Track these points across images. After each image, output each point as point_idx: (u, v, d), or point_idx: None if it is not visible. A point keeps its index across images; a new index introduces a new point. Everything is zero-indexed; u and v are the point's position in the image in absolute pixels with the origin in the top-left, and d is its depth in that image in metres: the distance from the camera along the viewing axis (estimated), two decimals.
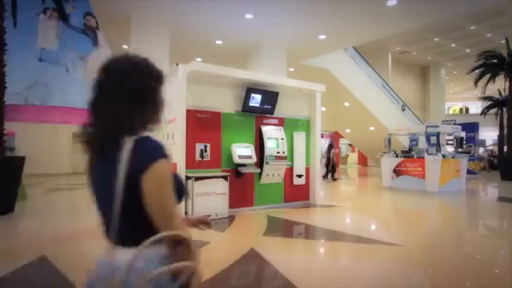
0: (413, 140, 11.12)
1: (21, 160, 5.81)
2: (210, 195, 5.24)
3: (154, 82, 0.99)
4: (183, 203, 5.18)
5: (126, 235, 0.86)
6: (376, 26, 8.55)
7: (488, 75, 13.93)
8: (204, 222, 1.10)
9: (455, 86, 26.71)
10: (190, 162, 5.35)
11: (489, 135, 21.92)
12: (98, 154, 0.95)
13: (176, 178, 0.98)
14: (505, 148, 13.41)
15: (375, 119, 14.05)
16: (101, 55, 15.39)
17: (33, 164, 8.46)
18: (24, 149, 8.46)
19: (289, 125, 6.58)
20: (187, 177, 5.19)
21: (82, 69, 15.32)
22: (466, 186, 9.58)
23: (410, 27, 9.51)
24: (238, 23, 8.07)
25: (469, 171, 11.14)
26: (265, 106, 6.10)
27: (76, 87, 15.09)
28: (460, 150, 11.09)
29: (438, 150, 9.03)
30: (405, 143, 12.32)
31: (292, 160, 6.50)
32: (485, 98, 15.84)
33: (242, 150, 5.74)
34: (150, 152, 0.87)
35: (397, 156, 9.98)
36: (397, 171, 9.56)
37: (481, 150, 20.66)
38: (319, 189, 7.06)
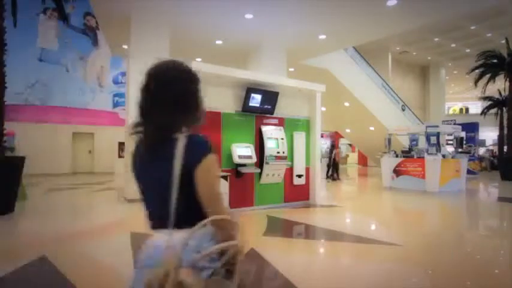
0: (413, 140, 11.11)
1: (21, 160, 5.81)
2: None
3: (196, 85, 1.12)
4: None
5: (181, 219, 0.96)
6: (376, 26, 8.55)
7: (488, 75, 13.93)
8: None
9: (455, 86, 26.71)
10: None
11: (489, 135, 21.92)
12: (151, 150, 1.04)
13: None
14: (505, 148, 13.41)
15: (375, 119, 14.06)
16: (101, 55, 15.40)
17: (33, 164, 8.46)
18: (24, 149, 8.45)
19: (289, 125, 6.58)
20: None
21: (82, 69, 15.32)
22: (466, 186, 9.58)
23: (410, 27, 9.51)
24: (238, 23, 8.06)
25: (469, 171, 11.14)
26: (265, 106, 6.10)
27: (76, 87, 15.10)
28: (460, 150, 11.09)
29: (438, 150, 9.03)
30: (405, 143, 12.32)
31: (292, 160, 6.50)
32: (485, 98, 15.84)
33: (242, 150, 5.74)
34: (202, 148, 1.00)
35: (397, 156, 9.99)
36: (397, 171, 9.56)
37: (482, 150, 20.69)
38: (319, 189, 7.06)
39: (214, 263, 0.87)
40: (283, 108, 6.49)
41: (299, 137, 6.67)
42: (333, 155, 11.83)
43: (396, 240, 4.21)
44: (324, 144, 13.98)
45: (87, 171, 14.95)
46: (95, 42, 15.35)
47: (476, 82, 14.26)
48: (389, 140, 10.49)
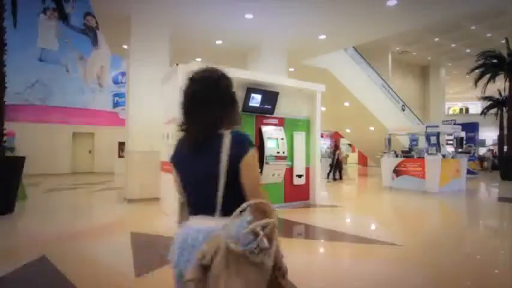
0: (413, 140, 11.12)
1: (21, 160, 5.81)
2: None
3: (232, 89, 1.24)
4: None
5: (225, 205, 1.10)
6: (376, 26, 8.55)
7: (488, 75, 13.93)
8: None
9: (455, 86, 26.72)
10: None
11: (489, 135, 21.93)
12: (196, 146, 1.16)
13: None
14: (505, 148, 13.42)
15: (375, 119, 14.06)
16: (101, 55, 15.40)
17: (33, 164, 8.47)
18: (24, 149, 8.46)
19: (289, 125, 6.58)
20: None
21: (82, 69, 15.32)
22: (466, 186, 9.58)
23: (410, 27, 9.52)
24: (238, 23, 8.07)
25: (469, 171, 11.15)
26: (265, 106, 6.10)
27: (76, 87, 15.10)
28: (460, 150, 11.09)
29: (438, 150, 9.02)
30: (405, 143, 12.33)
31: (292, 160, 6.49)
32: (485, 98, 15.85)
33: None
34: (245, 143, 1.13)
35: (397, 156, 9.99)
36: (397, 171, 9.56)
37: (483, 150, 20.69)
38: (319, 189, 7.06)
39: (256, 238, 0.98)
40: (283, 108, 6.48)
41: (299, 137, 6.67)
42: (336, 155, 11.82)
43: (396, 240, 4.21)
44: (324, 144, 13.96)
45: (87, 171, 14.95)
46: (95, 42, 15.35)
47: (476, 82, 14.26)
48: (389, 140, 10.49)
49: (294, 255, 3.71)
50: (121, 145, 13.57)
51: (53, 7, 12.69)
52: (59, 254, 3.49)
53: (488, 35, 16.60)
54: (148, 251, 3.77)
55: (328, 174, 11.92)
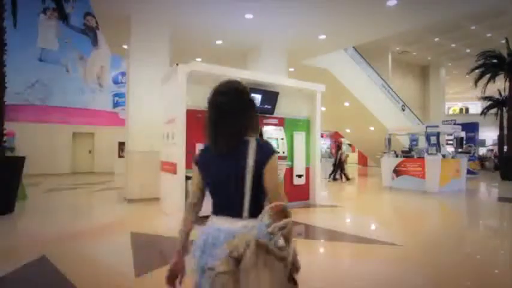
0: (414, 140, 11.12)
1: (21, 160, 5.81)
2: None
3: (252, 100, 1.36)
4: (183, 203, 5.18)
5: (251, 208, 1.22)
6: (376, 26, 8.55)
7: (488, 75, 13.93)
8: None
9: (455, 86, 26.72)
10: (190, 162, 5.34)
11: (489, 135, 21.93)
12: (226, 150, 1.26)
13: None
14: (505, 148, 13.41)
15: (375, 119, 14.06)
16: (101, 55, 15.40)
17: (33, 164, 8.47)
18: (24, 149, 8.46)
19: (289, 125, 6.58)
20: (187, 177, 5.19)
21: (82, 69, 15.32)
22: (466, 186, 9.58)
23: (410, 27, 9.51)
24: (238, 23, 8.06)
25: (469, 171, 11.15)
26: (265, 106, 6.11)
27: (76, 87, 15.10)
28: (460, 150, 11.09)
29: (438, 150, 9.03)
30: (405, 143, 12.33)
31: (292, 160, 6.50)
32: (485, 98, 15.85)
33: None
34: (269, 149, 1.27)
35: (397, 156, 9.99)
36: (397, 171, 9.57)
37: (484, 150, 20.69)
38: (319, 189, 7.06)
39: (277, 235, 1.09)
40: (283, 108, 6.48)
41: (299, 137, 6.67)
42: (338, 155, 11.81)
43: (396, 240, 4.21)
44: (324, 144, 13.96)
45: (87, 171, 14.95)
46: (95, 42, 15.34)
47: (476, 82, 14.26)
48: (389, 140, 10.49)
49: None
50: (121, 145, 13.57)
51: (53, 7, 12.69)
52: (59, 254, 3.49)
53: (488, 35, 16.60)
54: (148, 251, 3.77)
55: (330, 174, 11.90)
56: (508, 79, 12.96)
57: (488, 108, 16.35)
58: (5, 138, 5.82)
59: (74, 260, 3.38)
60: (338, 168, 11.81)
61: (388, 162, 9.88)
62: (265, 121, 6.25)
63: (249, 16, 7.68)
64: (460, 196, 8.38)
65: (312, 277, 3.04)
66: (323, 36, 9.01)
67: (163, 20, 7.64)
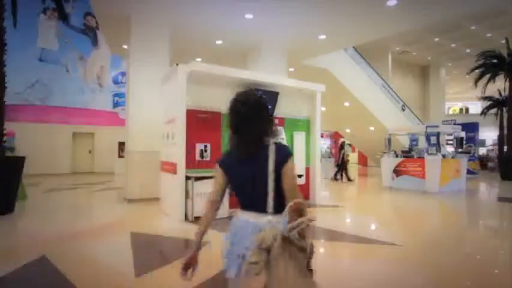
0: (414, 140, 11.12)
1: (21, 160, 5.81)
2: None
3: (268, 106, 1.49)
4: (183, 203, 5.18)
5: (274, 205, 1.35)
6: (376, 26, 8.55)
7: (488, 75, 13.92)
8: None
9: (455, 86, 26.71)
10: (190, 162, 5.35)
11: (489, 135, 21.92)
12: (246, 157, 1.42)
13: None
14: (505, 148, 13.41)
15: (375, 119, 14.06)
16: (101, 55, 15.40)
17: (33, 164, 8.46)
18: (24, 149, 8.45)
19: (289, 125, 6.58)
20: (187, 177, 5.19)
21: (82, 69, 15.32)
22: (466, 186, 9.58)
23: (410, 27, 9.51)
24: (238, 23, 8.07)
25: (469, 171, 11.15)
26: None
27: (76, 87, 15.10)
28: (460, 150, 11.08)
29: (438, 150, 9.03)
30: (405, 143, 12.32)
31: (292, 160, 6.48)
32: (485, 98, 15.83)
33: None
34: (286, 152, 1.41)
35: (397, 156, 9.98)
36: (397, 171, 9.56)
37: (487, 149, 20.67)
38: (319, 189, 7.06)
39: (293, 232, 1.23)
40: (283, 108, 6.48)
41: (299, 137, 6.68)
42: (341, 155, 11.81)
43: (396, 240, 4.21)
44: (324, 144, 13.95)
45: (87, 171, 14.95)
46: (95, 42, 15.34)
47: (476, 82, 14.25)
48: (389, 140, 10.49)
49: None
50: (121, 145, 13.57)
51: (53, 7, 12.69)
52: (59, 254, 3.49)
53: (488, 35, 16.60)
54: (148, 251, 3.77)
55: (336, 174, 11.86)
56: (508, 79, 12.95)
57: (488, 108, 16.34)
58: (5, 138, 5.82)
59: (74, 260, 3.38)
60: (341, 168, 11.80)
61: (388, 162, 9.88)
62: None
63: (249, 16, 7.68)
64: (460, 196, 8.38)
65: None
66: (323, 36, 9.01)
67: (163, 20, 7.64)
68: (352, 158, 23.90)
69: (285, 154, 1.39)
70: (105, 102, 15.92)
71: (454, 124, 15.12)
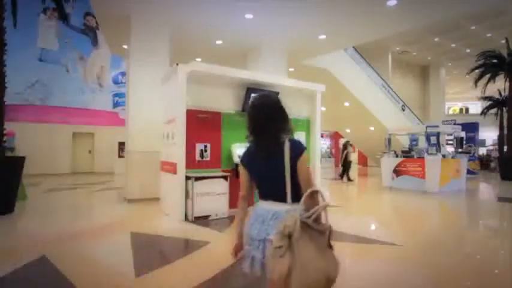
0: (414, 140, 11.12)
1: (21, 160, 5.80)
2: (210, 195, 5.24)
3: (284, 108, 1.65)
4: (183, 203, 5.18)
5: (292, 193, 1.53)
6: (376, 26, 8.55)
7: (488, 75, 13.92)
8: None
9: (455, 86, 26.71)
10: (190, 162, 5.35)
11: (489, 135, 21.91)
12: (266, 151, 1.59)
13: None
14: (505, 148, 13.41)
15: (375, 119, 14.06)
16: (101, 55, 15.40)
17: (33, 164, 8.47)
18: (24, 149, 8.46)
19: None
20: (187, 177, 5.19)
21: (82, 69, 15.31)
22: (466, 186, 9.58)
23: (410, 27, 9.51)
24: (238, 23, 8.07)
25: (469, 171, 11.15)
26: None
27: (76, 87, 15.10)
28: (460, 150, 11.08)
29: (438, 150, 9.02)
30: (405, 143, 12.32)
31: None
32: (485, 98, 15.83)
33: (242, 150, 5.69)
34: (300, 147, 1.58)
35: (397, 156, 9.98)
36: (397, 171, 9.56)
37: (484, 150, 20.66)
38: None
39: (310, 219, 1.40)
40: None
41: (299, 137, 6.66)
42: (344, 155, 11.80)
43: (396, 240, 4.21)
44: (324, 144, 13.95)
45: (87, 171, 14.95)
46: (95, 42, 15.34)
47: (476, 82, 14.25)
48: (389, 140, 10.49)
49: None
50: (121, 145, 13.57)
51: (53, 7, 12.70)
52: (59, 254, 3.49)
53: (488, 35, 16.60)
54: (148, 251, 3.77)
55: (342, 174, 11.84)
56: (508, 79, 12.94)
57: (488, 108, 16.33)
58: (5, 138, 5.82)
59: (74, 260, 3.38)
60: (345, 167, 11.77)
61: (388, 162, 9.88)
62: None
63: (249, 16, 7.68)
64: (460, 196, 8.38)
65: None
66: (323, 36, 9.01)
67: (163, 20, 7.64)
68: (352, 157, 23.98)
69: (299, 149, 1.56)
70: (105, 102, 15.92)
71: (454, 124, 15.12)
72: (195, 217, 5.12)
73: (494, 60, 13.64)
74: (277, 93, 6.19)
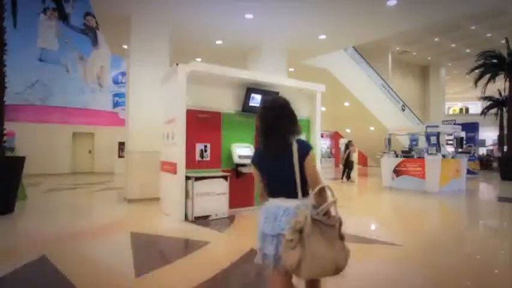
0: (413, 140, 11.12)
1: (21, 160, 5.80)
2: (210, 195, 5.24)
3: (293, 109, 1.77)
4: (183, 203, 5.18)
5: (302, 190, 1.67)
6: (376, 26, 8.55)
7: (488, 75, 13.92)
8: None
9: (455, 86, 26.71)
10: (190, 162, 5.35)
11: (489, 135, 21.92)
12: (276, 151, 1.70)
13: None
14: (505, 148, 13.41)
15: (375, 119, 14.06)
16: (101, 55, 15.40)
17: (33, 164, 8.47)
18: (23, 149, 8.46)
19: None
20: (187, 177, 5.19)
21: (82, 69, 15.32)
22: (466, 186, 9.58)
23: (410, 27, 9.51)
24: (238, 23, 8.06)
25: (468, 171, 11.15)
26: None
27: (76, 87, 15.10)
28: (460, 150, 11.08)
29: (438, 150, 9.02)
30: (405, 143, 12.32)
31: None
32: (485, 98, 15.84)
33: (242, 150, 5.73)
34: (307, 147, 1.71)
35: (397, 156, 9.98)
36: (397, 171, 9.56)
37: (486, 150, 20.65)
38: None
39: (320, 214, 1.53)
40: None
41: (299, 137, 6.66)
42: (346, 154, 11.79)
43: (396, 240, 4.21)
44: (324, 144, 13.93)
45: (87, 171, 14.95)
46: (95, 42, 15.34)
47: (476, 82, 14.25)
48: (389, 140, 10.49)
49: None
50: (121, 145, 13.57)
51: (53, 7, 12.70)
52: (59, 254, 3.49)
53: (488, 35, 16.60)
54: (148, 251, 3.77)
55: (348, 176, 11.83)
56: (508, 79, 12.94)
57: (488, 108, 16.34)
58: (5, 138, 5.82)
59: (74, 260, 3.38)
60: (347, 167, 11.77)
61: (388, 162, 9.88)
62: None
63: (249, 16, 7.68)
64: (460, 196, 8.38)
65: None
66: (323, 36, 9.01)
67: (163, 20, 7.64)
68: (354, 157, 23.95)
69: (306, 149, 1.68)
70: (105, 102, 15.92)
71: (454, 124, 15.12)
72: (195, 217, 5.12)
73: (494, 60, 13.64)
74: (277, 93, 6.20)
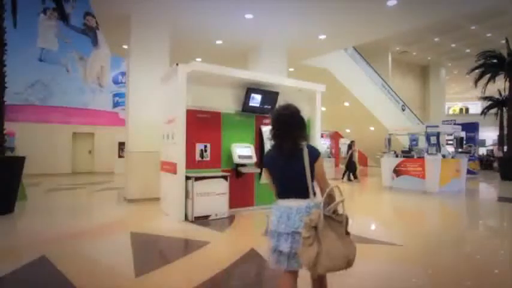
0: (413, 140, 11.12)
1: (21, 160, 5.81)
2: (210, 195, 5.23)
3: (303, 117, 1.91)
4: (183, 203, 5.18)
5: (312, 190, 1.84)
6: (376, 26, 8.55)
7: (488, 75, 13.93)
8: None
9: (455, 86, 26.72)
10: (190, 162, 5.35)
11: (489, 135, 21.93)
12: (287, 155, 1.83)
13: None
14: (505, 148, 13.41)
15: (375, 119, 14.07)
16: (101, 55, 15.40)
17: (33, 164, 8.47)
18: (23, 149, 8.46)
19: None
20: (187, 177, 5.19)
21: (82, 69, 15.31)
22: (466, 186, 9.58)
23: (410, 27, 9.51)
24: (238, 23, 8.06)
25: (468, 171, 11.15)
26: (265, 106, 6.10)
27: (76, 87, 15.10)
28: (460, 150, 11.08)
29: (438, 150, 9.02)
30: (405, 143, 12.32)
31: None
32: (485, 98, 15.85)
33: (242, 150, 5.73)
34: (316, 151, 1.89)
35: (397, 156, 9.98)
36: (397, 171, 9.56)
37: (486, 150, 20.65)
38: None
39: (330, 212, 1.70)
40: None
41: None
42: (348, 154, 11.79)
43: (396, 240, 4.21)
44: (324, 144, 13.94)
45: (87, 171, 14.95)
46: (95, 42, 15.34)
47: (476, 82, 14.26)
48: (389, 140, 10.49)
49: None
50: (121, 145, 13.58)
51: (53, 7, 12.71)
52: (59, 254, 3.49)
53: (488, 35, 16.60)
54: (148, 251, 3.77)
55: (349, 175, 11.82)
56: (508, 79, 12.94)
57: (488, 108, 16.35)
58: (5, 138, 5.82)
59: (74, 260, 3.38)
60: (350, 167, 11.76)
61: (388, 162, 9.88)
62: (265, 121, 6.25)
63: (249, 16, 7.67)
64: (460, 196, 8.38)
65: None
66: (323, 36, 9.01)
67: (163, 20, 7.64)
68: (356, 158, 23.94)
69: (315, 153, 1.86)
70: (105, 102, 15.92)
71: (454, 124, 15.13)
72: (195, 217, 5.12)
73: (494, 60, 13.65)
74: (277, 93, 6.20)
